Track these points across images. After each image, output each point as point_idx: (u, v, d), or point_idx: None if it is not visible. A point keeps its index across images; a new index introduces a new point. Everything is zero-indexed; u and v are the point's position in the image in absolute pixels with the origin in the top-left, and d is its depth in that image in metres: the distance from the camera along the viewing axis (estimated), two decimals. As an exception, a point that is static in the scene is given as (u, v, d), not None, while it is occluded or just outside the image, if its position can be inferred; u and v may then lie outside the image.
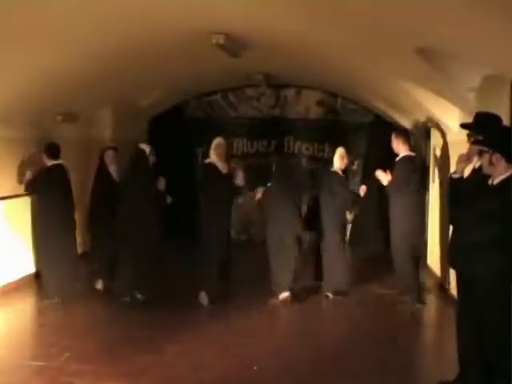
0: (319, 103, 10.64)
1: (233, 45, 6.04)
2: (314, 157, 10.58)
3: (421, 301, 6.57)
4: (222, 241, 6.52)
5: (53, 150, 6.68)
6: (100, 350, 5.12)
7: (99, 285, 6.94)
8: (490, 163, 3.74)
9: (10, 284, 6.86)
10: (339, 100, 10.49)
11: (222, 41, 5.72)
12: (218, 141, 6.73)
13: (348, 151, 7.06)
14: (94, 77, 6.85)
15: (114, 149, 7.12)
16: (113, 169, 7.04)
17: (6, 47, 5.01)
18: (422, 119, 7.72)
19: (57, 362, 4.80)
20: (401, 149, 6.67)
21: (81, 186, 7.69)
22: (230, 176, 6.68)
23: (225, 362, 4.91)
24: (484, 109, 4.40)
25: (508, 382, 3.63)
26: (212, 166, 6.64)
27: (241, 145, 10.87)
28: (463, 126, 4.47)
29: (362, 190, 6.97)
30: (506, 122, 4.67)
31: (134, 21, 5.13)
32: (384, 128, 9.58)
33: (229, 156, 6.95)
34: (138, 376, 4.56)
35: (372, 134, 10.07)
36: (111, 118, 9.12)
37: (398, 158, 6.70)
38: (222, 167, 6.66)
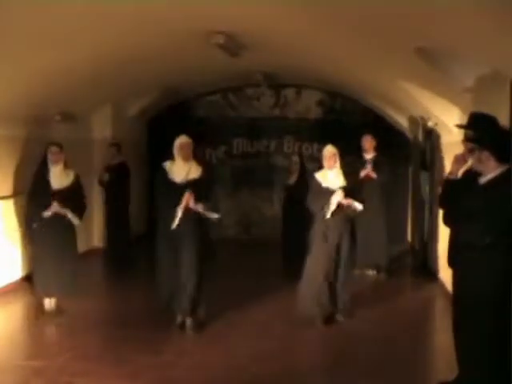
0: (319, 103, 10.67)
1: (232, 44, 6.04)
2: (314, 157, 10.57)
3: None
4: (176, 272, 5.44)
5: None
6: (100, 350, 5.11)
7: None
8: (479, 161, 3.72)
9: (10, 284, 6.85)
10: (339, 100, 10.51)
11: (221, 40, 5.73)
12: (180, 141, 5.53)
13: (341, 149, 6.04)
14: (93, 77, 6.86)
15: (58, 145, 6.01)
16: (56, 170, 5.91)
17: (6, 47, 5.01)
18: (422, 119, 7.73)
19: (57, 361, 4.80)
20: (372, 149, 7.89)
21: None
22: (190, 184, 5.43)
23: (224, 362, 4.90)
24: (484, 108, 4.40)
25: (508, 382, 3.62)
26: (164, 172, 5.49)
27: (241, 145, 10.89)
28: (459, 126, 4.47)
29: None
30: (505, 121, 4.66)
31: (134, 21, 5.13)
32: (384, 128, 9.61)
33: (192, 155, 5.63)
34: (138, 376, 4.55)
35: (372, 134, 10.06)
36: (111, 118, 9.12)
37: (371, 157, 7.84)
38: (179, 173, 5.46)
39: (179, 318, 5.61)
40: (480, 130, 3.97)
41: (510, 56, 4.07)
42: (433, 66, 5.06)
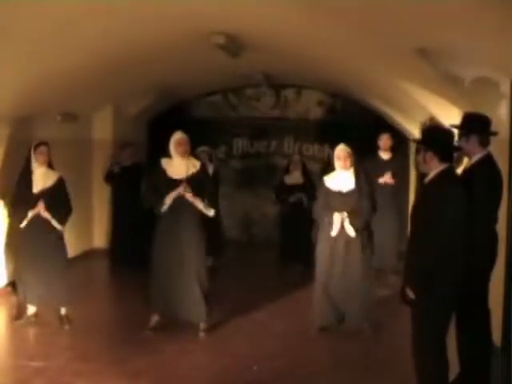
0: (319, 103, 10.67)
1: (233, 45, 6.04)
2: (314, 157, 10.58)
3: None
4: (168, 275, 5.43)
5: None
6: (100, 350, 5.12)
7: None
8: (424, 161, 3.75)
9: (9, 284, 6.84)
10: (339, 100, 10.51)
11: (221, 41, 5.73)
12: (176, 137, 5.64)
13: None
14: (93, 77, 6.86)
15: (46, 145, 5.69)
16: (41, 171, 5.65)
17: (7, 47, 5.02)
18: (422, 119, 7.72)
19: (57, 362, 4.80)
20: (389, 149, 7.75)
21: (79, 186, 7.69)
22: (190, 180, 5.43)
23: (224, 362, 4.91)
24: (482, 108, 4.41)
25: None
26: (161, 169, 5.50)
27: (241, 145, 10.89)
28: (452, 126, 4.49)
29: None
30: (505, 121, 4.67)
31: (134, 21, 5.14)
32: (384, 128, 9.60)
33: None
34: (138, 376, 4.55)
35: (372, 135, 10.06)
36: (111, 118, 9.13)
37: (389, 158, 7.73)
38: (178, 170, 5.48)
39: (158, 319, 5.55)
40: (475, 132, 4.03)
41: (509, 56, 4.08)
42: (433, 66, 5.07)
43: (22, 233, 5.67)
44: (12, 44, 4.99)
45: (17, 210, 5.68)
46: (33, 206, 5.56)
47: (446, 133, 3.89)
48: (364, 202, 5.46)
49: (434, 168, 3.70)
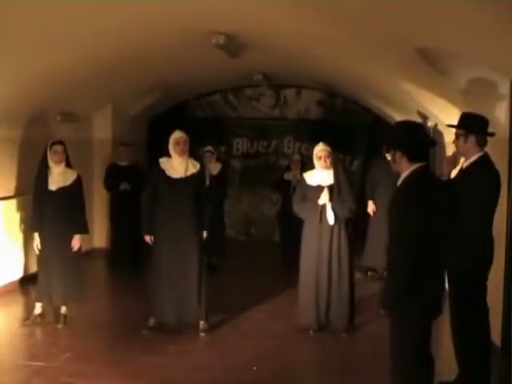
0: (319, 103, 10.67)
1: (233, 45, 6.04)
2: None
3: None
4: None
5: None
6: (100, 351, 5.12)
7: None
8: (394, 161, 3.60)
9: (10, 284, 6.85)
10: (339, 100, 10.51)
11: (221, 41, 5.73)
12: (175, 135, 5.61)
13: (340, 149, 6.17)
14: (93, 77, 6.86)
15: (62, 144, 5.68)
16: (59, 171, 5.64)
17: (7, 47, 5.02)
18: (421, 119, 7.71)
19: (57, 362, 4.80)
20: None
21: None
22: (188, 180, 5.45)
23: (224, 362, 4.91)
24: (482, 108, 4.41)
25: None
26: (160, 170, 5.46)
27: (241, 145, 10.89)
28: (450, 125, 4.50)
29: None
30: (505, 121, 4.67)
31: (134, 22, 5.14)
32: (384, 128, 9.61)
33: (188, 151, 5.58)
34: (138, 376, 4.55)
35: (372, 135, 10.07)
36: (111, 118, 9.13)
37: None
38: (177, 168, 5.47)
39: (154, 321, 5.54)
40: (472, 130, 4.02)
41: (509, 56, 4.08)
42: (433, 66, 5.07)
43: (40, 232, 5.61)
44: (12, 44, 4.99)
45: (35, 208, 5.62)
46: (50, 203, 5.54)
47: (413, 130, 3.60)
48: (344, 193, 5.46)
49: (405, 169, 3.51)
